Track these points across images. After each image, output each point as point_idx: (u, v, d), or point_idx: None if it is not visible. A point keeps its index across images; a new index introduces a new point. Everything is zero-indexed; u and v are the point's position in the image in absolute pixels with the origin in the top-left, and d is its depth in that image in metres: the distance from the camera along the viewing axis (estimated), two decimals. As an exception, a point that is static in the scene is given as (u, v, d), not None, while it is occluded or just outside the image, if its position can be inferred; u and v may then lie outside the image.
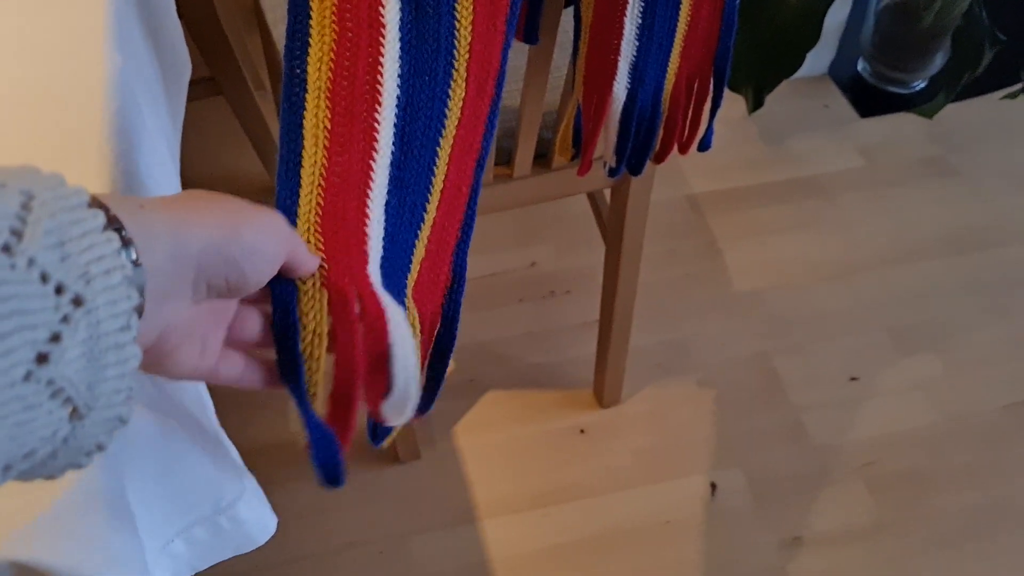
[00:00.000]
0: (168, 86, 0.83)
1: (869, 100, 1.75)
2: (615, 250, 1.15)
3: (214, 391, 0.68)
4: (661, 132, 0.89)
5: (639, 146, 0.88)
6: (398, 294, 0.56)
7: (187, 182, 1.55)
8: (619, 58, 0.79)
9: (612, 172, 0.90)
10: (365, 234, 0.53)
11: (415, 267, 0.59)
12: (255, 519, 0.63)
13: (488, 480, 1.25)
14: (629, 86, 0.82)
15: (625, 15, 0.75)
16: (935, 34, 1.68)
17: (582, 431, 1.30)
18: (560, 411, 1.32)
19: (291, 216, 0.49)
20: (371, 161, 0.54)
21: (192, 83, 1.40)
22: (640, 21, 0.77)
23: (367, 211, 0.54)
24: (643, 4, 0.75)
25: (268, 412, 1.29)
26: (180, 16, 1.22)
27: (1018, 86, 1.55)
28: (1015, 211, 1.58)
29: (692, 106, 0.88)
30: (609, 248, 1.17)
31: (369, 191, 0.54)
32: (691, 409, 1.33)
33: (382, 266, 0.54)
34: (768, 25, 1.46)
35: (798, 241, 1.53)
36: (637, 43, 0.78)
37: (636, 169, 0.90)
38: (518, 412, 1.31)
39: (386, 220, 0.55)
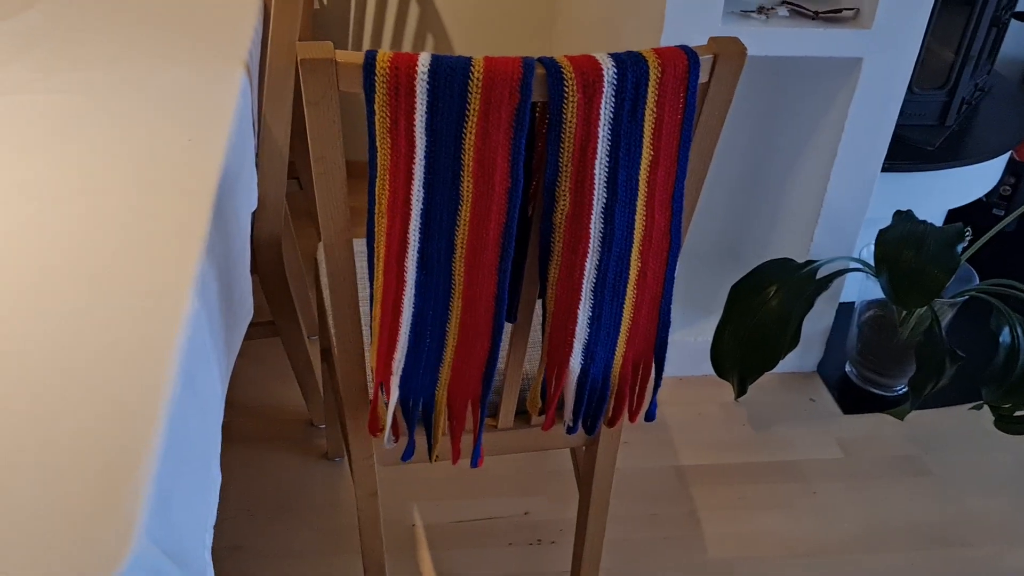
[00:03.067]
0: (231, 326, 1.08)
1: (853, 398, 1.93)
2: (585, 500, 1.32)
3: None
4: (613, 402, 1.10)
5: (591, 411, 1.08)
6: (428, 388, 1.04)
7: (239, 406, 1.80)
8: (574, 340, 1.01)
9: (569, 430, 1.10)
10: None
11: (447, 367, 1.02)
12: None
13: None
14: (582, 363, 1.03)
15: (579, 309, 0.99)
16: (912, 345, 1.88)
17: (549, 673, 1.40)
18: (531, 651, 1.42)
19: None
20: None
21: (256, 324, 1.68)
22: (591, 314, 1.00)
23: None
24: (593, 301, 0.99)
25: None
26: (253, 271, 1.51)
27: (980, 401, 1.72)
28: (981, 513, 1.70)
29: (638, 384, 1.09)
30: (581, 498, 1.33)
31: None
32: (654, 665, 1.42)
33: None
34: (750, 321, 1.69)
35: (774, 519, 1.66)
36: (588, 330, 1.01)
37: (590, 430, 1.10)
38: (493, 648, 1.42)
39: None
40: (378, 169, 0.87)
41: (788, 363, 1.98)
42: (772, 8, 1.62)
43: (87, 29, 1.42)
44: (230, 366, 1.07)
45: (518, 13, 2.33)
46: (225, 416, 1.75)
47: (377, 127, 0.85)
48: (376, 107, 0.84)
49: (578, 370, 1.04)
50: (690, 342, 1.92)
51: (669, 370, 1.96)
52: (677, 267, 1.04)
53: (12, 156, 1.09)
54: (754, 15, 1.61)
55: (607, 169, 0.90)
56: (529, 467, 1.72)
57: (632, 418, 1.11)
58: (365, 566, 1.27)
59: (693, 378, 1.95)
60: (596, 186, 0.90)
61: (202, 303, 0.90)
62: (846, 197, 1.77)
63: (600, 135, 0.88)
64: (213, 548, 1.51)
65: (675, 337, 1.92)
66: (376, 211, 0.90)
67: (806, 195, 1.83)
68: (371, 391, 1.10)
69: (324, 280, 1.40)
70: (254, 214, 1.42)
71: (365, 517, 1.23)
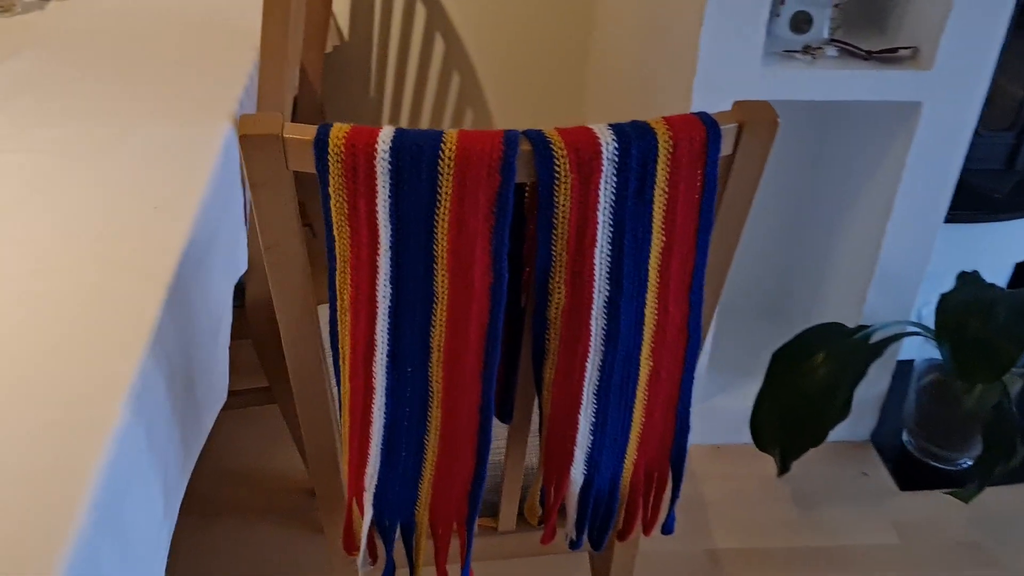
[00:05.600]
0: (191, 419, 0.95)
1: (911, 472, 1.75)
2: (601, 605, 1.17)
3: None
4: (623, 513, 0.95)
5: (597, 525, 0.94)
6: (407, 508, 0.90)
7: (231, 473, 1.66)
8: (575, 448, 0.87)
9: (572, 545, 0.95)
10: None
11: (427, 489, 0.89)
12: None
13: None
14: (585, 472, 0.89)
15: (579, 414, 0.84)
16: (977, 416, 1.70)
17: None
18: None
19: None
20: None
21: (251, 391, 1.56)
22: (594, 419, 0.85)
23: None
24: (596, 405, 0.84)
25: None
26: (245, 336, 1.40)
27: (1056, 483, 1.53)
28: (1058, 614, 1.50)
29: (653, 494, 0.94)
30: (597, 605, 1.19)
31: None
32: None
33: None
34: (793, 392, 1.53)
35: (820, 614, 1.49)
36: (591, 437, 0.86)
37: (597, 545, 0.95)
38: None
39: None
40: (337, 261, 0.75)
41: (839, 431, 1.79)
42: (819, 48, 1.47)
43: (73, 78, 1.33)
44: (188, 465, 0.94)
45: (552, 41, 2.21)
46: (215, 485, 1.64)
47: (334, 213, 0.72)
48: (332, 190, 0.71)
49: (580, 480, 0.90)
50: (729, 408, 1.76)
51: (707, 438, 1.80)
52: (711, 339, 0.89)
53: (-36, 225, 0.99)
54: (799, 55, 1.45)
55: (609, 258, 0.76)
56: (543, 565, 1.56)
57: (646, 531, 0.97)
58: None
59: (732, 447, 1.79)
60: (596, 277, 0.77)
61: (137, 413, 0.77)
62: (903, 254, 1.60)
63: (600, 220, 0.74)
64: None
65: (713, 402, 1.77)
66: (338, 307, 0.77)
67: (859, 252, 1.66)
68: (344, 504, 0.96)
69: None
70: (244, 276, 1.30)
71: (348, 627, 1.10)
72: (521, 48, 2.20)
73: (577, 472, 0.89)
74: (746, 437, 1.77)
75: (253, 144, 0.70)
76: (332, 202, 0.72)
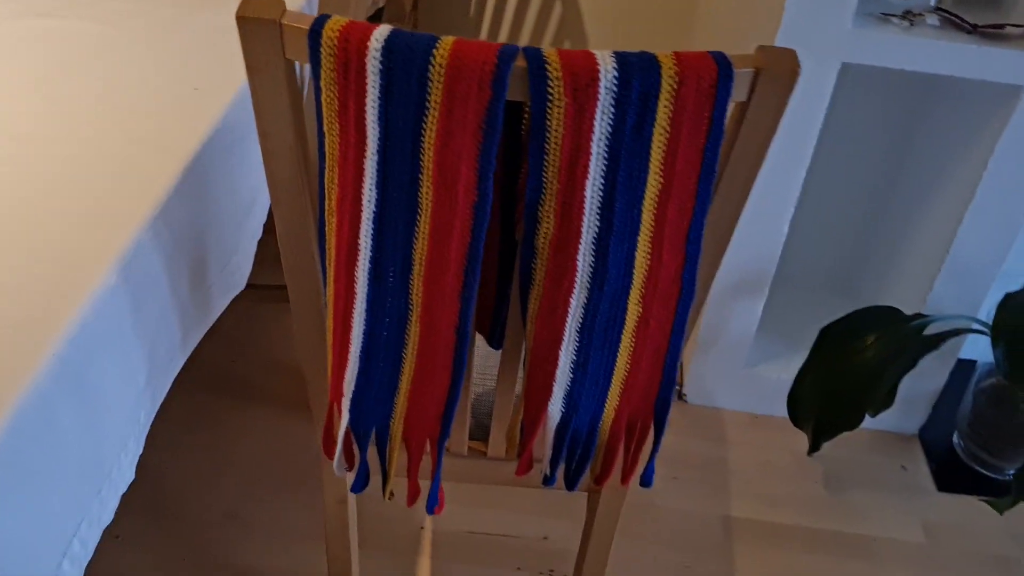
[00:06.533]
0: (197, 302, 0.98)
1: (952, 474, 1.67)
2: (584, 543, 1.17)
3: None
4: (601, 457, 0.94)
5: (572, 465, 0.93)
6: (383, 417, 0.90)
7: (271, 362, 1.70)
8: (554, 383, 0.85)
9: (546, 480, 0.94)
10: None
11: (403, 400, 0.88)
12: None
13: None
14: (563, 410, 0.88)
15: (560, 350, 0.83)
16: (1034, 429, 1.60)
17: None
18: None
19: None
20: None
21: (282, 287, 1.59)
22: (575, 358, 0.84)
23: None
24: (578, 344, 0.82)
25: None
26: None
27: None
28: (1080, 644, 1.43)
29: (634, 443, 0.92)
30: (582, 539, 1.19)
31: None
32: None
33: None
34: (837, 371, 1.47)
35: (825, 599, 1.45)
36: (571, 375, 0.85)
37: (570, 484, 0.95)
38: None
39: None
40: (327, 159, 0.74)
41: (885, 421, 1.73)
42: (921, 14, 1.37)
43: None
44: (188, 343, 0.97)
45: (653, -14, 2.13)
46: (260, 373, 1.69)
47: (325, 109, 0.72)
48: (323, 84, 0.70)
49: (558, 417, 0.88)
50: (773, 378, 1.71)
51: (745, 405, 1.75)
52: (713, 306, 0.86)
53: (18, 82, 1.03)
54: (895, 20, 1.36)
55: (601, 193, 0.73)
56: (544, 495, 1.57)
57: (624, 480, 0.95)
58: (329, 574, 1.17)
59: (768, 418, 1.74)
60: (587, 212, 0.74)
61: (126, 280, 0.80)
62: (979, 246, 1.50)
63: (594, 151, 0.71)
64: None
65: (758, 370, 1.72)
66: (326, 207, 0.77)
67: (933, 238, 1.57)
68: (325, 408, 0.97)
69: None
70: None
71: (332, 526, 1.12)
72: (624, -17, 2.13)
73: (555, 408, 0.87)
74: (783, 410, 1.72)
75: (250, 27, 0.69)
76: (323, 97, 0.71)
